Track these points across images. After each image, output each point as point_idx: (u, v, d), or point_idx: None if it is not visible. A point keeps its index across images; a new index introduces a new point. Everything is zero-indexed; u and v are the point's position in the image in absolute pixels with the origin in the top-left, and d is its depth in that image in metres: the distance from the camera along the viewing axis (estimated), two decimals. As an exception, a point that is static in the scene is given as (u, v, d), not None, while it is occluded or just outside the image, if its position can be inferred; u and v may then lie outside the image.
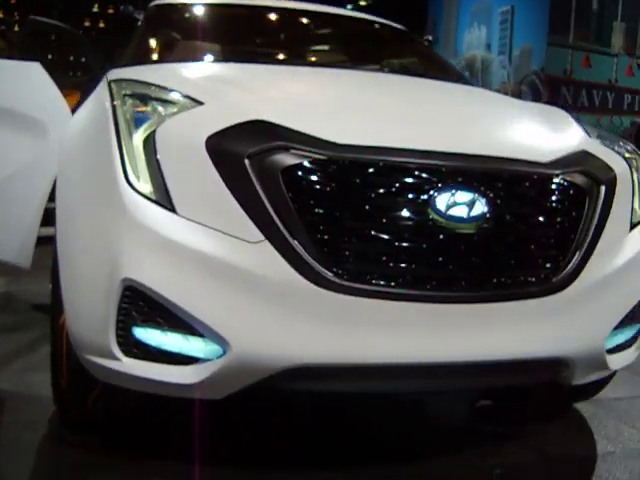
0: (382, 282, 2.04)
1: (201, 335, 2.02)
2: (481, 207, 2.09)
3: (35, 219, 3.31)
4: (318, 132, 2.08)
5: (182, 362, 2.06)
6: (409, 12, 25.93)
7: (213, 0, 4.28)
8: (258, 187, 2.01)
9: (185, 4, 4.17)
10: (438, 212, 2.06)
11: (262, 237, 2.01)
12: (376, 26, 4.49)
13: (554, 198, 2.25)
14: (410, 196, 2.08)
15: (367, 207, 2.05)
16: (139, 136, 2.14)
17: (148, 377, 2.08)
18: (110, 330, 2.06)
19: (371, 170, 2.07)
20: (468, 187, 2.10)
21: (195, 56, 3.62)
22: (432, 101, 2.72)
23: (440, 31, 19.58)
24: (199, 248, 2.00)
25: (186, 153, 2.08)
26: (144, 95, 2.29)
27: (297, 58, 3.96)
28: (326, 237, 2.02)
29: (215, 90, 2.38)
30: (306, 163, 2.03)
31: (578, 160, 2.38)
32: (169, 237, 2.01)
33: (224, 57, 3.70)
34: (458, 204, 2.07)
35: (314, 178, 2.03)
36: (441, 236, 2.08)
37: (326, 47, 4.46)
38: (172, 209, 2.04)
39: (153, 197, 2.06)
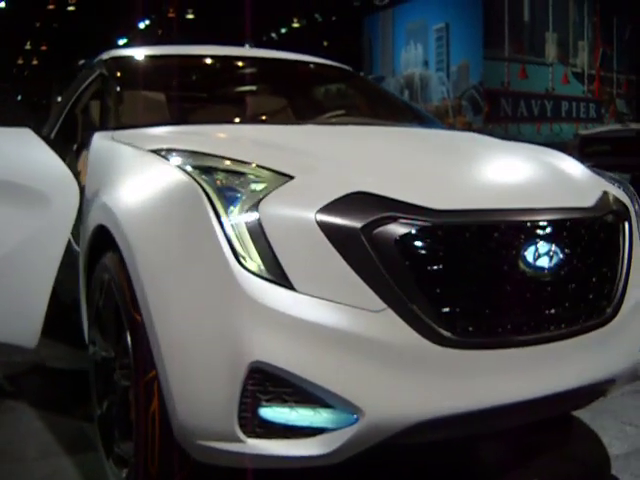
0: (491, 333, 2.17)
1: (330, 406, 2.04)
2: (557, 255, 2.27)
3: (42, 296, 3.02)
4: (416, 200, 2.15)
5: (309, 434, 2.07)
6: (344, 33, 26.15)
7: (178, 52, 4.29)
8: (375, 258, 2.05)
9: (151, 56, 4.15)
10: (527, 264, 2.21)
11: (384, 305, 2.04)
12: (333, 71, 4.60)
13: (601, 238, 2.46)
14: (504, 252, 2.21)
15: (471, 266, 2.16)
16: (238, 215, 2.11)
17: (274, 454, 2.07)
18: (233, 413, 2.04)
19: (469, 232, 2.16)
20: (546, 238, 2.27)
21: (194, 116, 3.63)
22: (476, 156, 2.85)
23: (377, 51, 19.81)
24: (324, 322, 2.02)
25: (296, 229, 2.08)
26: (224, 170, 2.28)
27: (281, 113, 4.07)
28: (439, 299, 2.10)
29: (293, 161, 2.35)
30: (414, 231, 2.09)
31: (606, 201, 2.60)
32: (293, 315, 2.01)
33: (217, 116, 3.74)
34: (541, 255, 2.23)
35: (423, 245, 2.11)
36: (531, 285, 2.23)
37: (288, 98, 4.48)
38: (290, 286, 2.03)
39: (268, 276, 2.05)
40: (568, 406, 2.58)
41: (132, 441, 2.44)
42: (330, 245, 2.05)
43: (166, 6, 27.98)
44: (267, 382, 2.03)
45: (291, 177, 2.19)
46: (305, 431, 2.06)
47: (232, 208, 2.11)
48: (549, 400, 2.29)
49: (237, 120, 3.70)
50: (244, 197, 2.14)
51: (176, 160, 2.40)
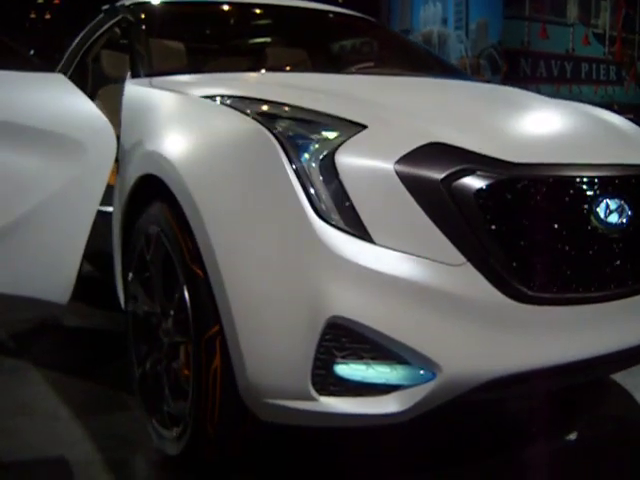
0: (563, 289, 2.18)
1: (407, 362, 2.01)
2: (625, 212, 2.28)
3: (77, 250, 2.88)
4: (493, 153, 2.15)
5: (384, 392, 2.04)
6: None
7: None
8: (455, 210, 2.03)
9: (176, 2, 4.08)
10: (599, 220, 2.23)
11: (464, 259, 2.04)
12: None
13: None
14: (577, 207, 2.23)
15: (546, 221, 2.17)
16: (313, 164, 2.04)
17: (348, 412, 2.04)
18: (307, 370, 2.01)
19: (545, 186, 2.17)
20: (616, 194, 2.28)
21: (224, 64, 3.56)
22: (537, 111, 2.84)
23: (395, 7, 19.54)
24: (403, 276, 1.99)
25: (374, 180, 2.03)
26: (292, 117, 2.20)
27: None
28: (516, 253, 2.10)
29: (361, 110, 2.28)
30: (493, 184, 2.08)
31: None
32: (372, 268, 1.98)
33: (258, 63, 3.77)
34: (612, 211, 2.24)
35: (501, 198, 2.10)
36: (602, 242, 2.27)
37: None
38: (369, 239, 2.00)
39: (347, 228, 2.00)
40: (626, 364, 2.57)
41: (185, 399, 2.39)
42: (410, 196, 2.02)
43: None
44: (344, 338, 2.00)
45: (364, 126, 2.13)
46: (380, 388, 2.03)
47: (306, 156, 2.03)
48: (612, 357, 2.31)
49: (276, 68, 3.64)
50: (317, 145, 2.06)
51: (238, 106, 2.30)
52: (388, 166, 2.05)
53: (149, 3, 3.93)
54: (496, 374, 2.08)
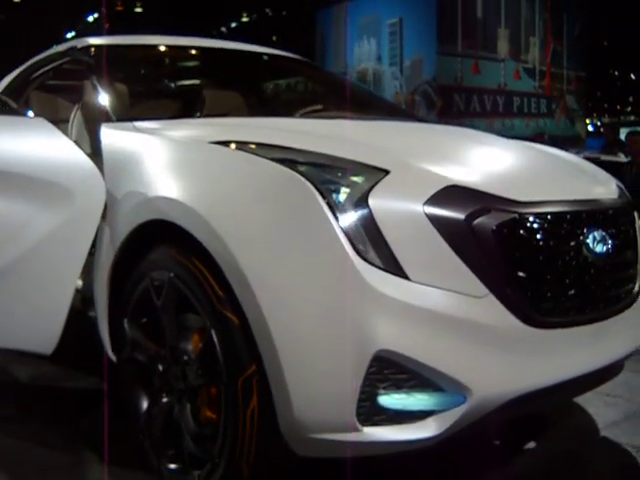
0: (566, 313, 2.39)
1: (441, 389, 2.15)
2: (610, 241, 2.53)
3: (65, 299, 2.81)
4: (502, 193, 2.33)
5: (420, 418, 2.17)
6: (296, 27, 26.11)
7: (162, 42, 4.20)
8: (476, 246, 2.20)
9: (136, 45, 4.07)
10: (589, 249, 2.46)
11: (487, 291, 2.19)
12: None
13: (628, 226, 2.74)
14: (571, 239, 2.43)
15: (549, 252, 2.36)
16: (349, 207, 2.15)
17: (389, 440, 2.15)
18: (353, 403, 2.10)
19: (547, 221, 2.37)
20: (602, 225, 2.54)
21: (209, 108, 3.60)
22: (517, 153, 3.07)
23: (329, 46, 19.75)
24: (436, 308, 2.13)
25: (406, 221, 2.17)
26: (314, 164, 2.29)
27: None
28: (527, 282, 2.28)
29: (379, 156, 2.40)
30: (506, 221, 2.26)
31: (622, 192, 2.93)
32: (410, 303, 2.11)
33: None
34: (598, 241, 2.49)
35: (514, 234, 2.28)
36: (594, 268, 2.48)
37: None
38: (405, 276, 2.13)
39: (384, 266, 2.12)
40: (612, 376, 2.76)
41: (210, 441, 2.42)
42: (438, 235, 2.17)
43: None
44: (386, 370, 2.11)
45: (387, 171, 2.25)
46: (416, 415, 2.17)
47: (341, 200, 2.14)
48: (606, 369, 2.56)
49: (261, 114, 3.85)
50: (348, 190, 2.17)
51: (258, 153, 2.38)
52: (418, 208, 2.19)
53: (113, 45, 3.89)
54: (518, 392, 2.25)
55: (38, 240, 2.81)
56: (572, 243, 2.43)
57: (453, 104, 16.85)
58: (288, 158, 2.32)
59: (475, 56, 17.16)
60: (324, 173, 2.24)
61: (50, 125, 2.99)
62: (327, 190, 2.17)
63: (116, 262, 2.77)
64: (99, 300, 2.88)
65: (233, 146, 2.49)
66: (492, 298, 2.20)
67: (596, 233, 2.50)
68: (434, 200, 2.22)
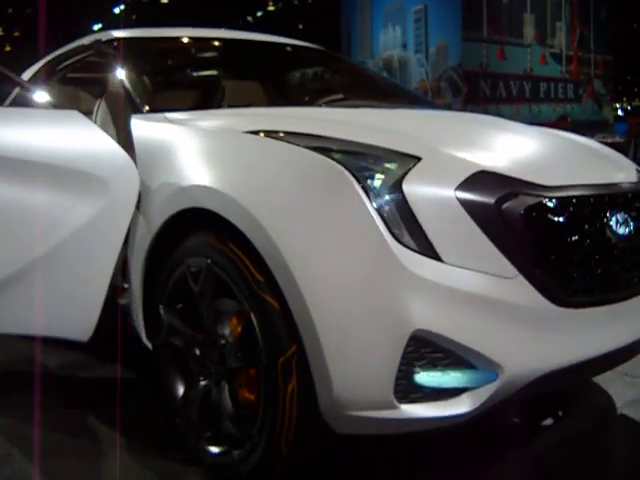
0: (591, 293, 2.46)
1: (474, 366, 2.23)
2: (630, 224, 2.59)
3: (100, 287, 2.88)
4: (529, 178, 2.39)
5: (454, 395, 2.24)
6: (322, 16, 26.10)
7: (187, 34, 4.26)
8: (506, 229, 2.26)
9: (163, 38, 4.12)
10: (612, 231, 2.52)
11: (516, 272, 2.25)
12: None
13: None
14: (595, 221, 2.49)
15: (575, 234, 2.42)
16: (384, 193, 2.23)
17: (425, 417, 2.22)
18: (391, 381, 2.17)
19: (572, 204, 2.43)
20: (625, 208, 2.60)
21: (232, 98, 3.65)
22: (541, 139, 3.16)
23: (355, 34, 19.76)
24: (469, 289, 2.20)
25: (438, 205, 2.25)
26: (347, 151, 2.38)
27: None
28: (555, 264, 2.36)
29: (410, 143, 2.48)
30: (533, 205, 2.32)
31: None
32: (444, 284, 2.18)
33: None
34: (621, 224, 2.55)
35: (540, 216, 2.34)
36: (617, 249, 2.54)
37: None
38: (438, 258, 2.20)
39: (420, 249, 2.19)
40: (632, 355, 2.81)
41: (250, 422, 2.49)
42: (470, 218, 2.24)
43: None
44: (422, 349, 2.18)
45: (418, 158, 2.34)
46: (451, 392, 2.23)
47: (376, 186, 2.23)
48: (627, 349, 2.61)
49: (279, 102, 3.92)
50: (383, 176, 2.27)
51: (293, 141, 2.46)
52: (449, 193, 2.26)
53: (137, 38, 3.96)
54: (547, 370, 2.31)
55: (75, 229, 2.87)
56: (596, 225, 2.49)
57: (479, 90, 16.83)
58: (322, 146, 2.39)
59: (501, 42, 17.12)
60: (358, 160, 2.32)
61: (84, 117, 3.04)
62: (362, 177, 2.24)
63: (150, 250, 2.83)
64: (134, 288, 2.94)
65: (265, 135, 2.55)
66: (521, 279, 2.27)
67: (619, 216, 2.56)
68: (465, 185, 2.29)
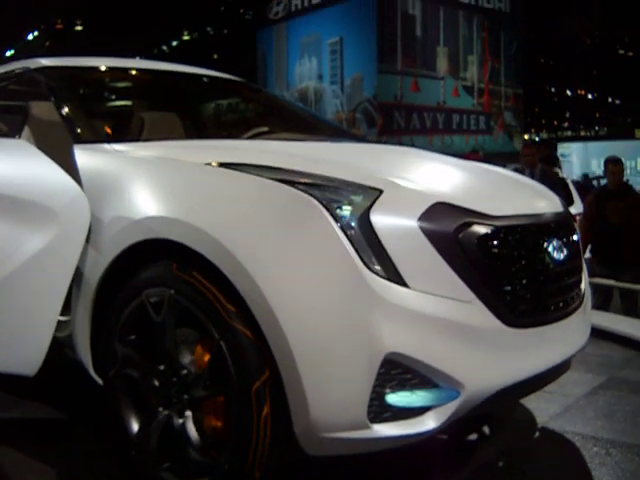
0: (536, 313, 2.63)
1: (437, 385, 2.35)
2: (564, 249, 2.79)
3: (50, 320, 2.80)
4: (478, 208, 2.52)
5: (420, 413, 2.34)
6: (238, 46, 26.21)
7: (117, 65, 4.20)
8: (463, 256, 2.41)
9: (92, 67, 4.06)
10: (550, 257, 2.70)
11: (473, 295, 2.39)
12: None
13: (573, 234, 2.99)
14: (536, 248, 2.67)
15: (520, 259, 2.58)
16: (353, 224, 2.32)
17: (395, 435, 2.32)
18: (365, 403, 2.26)
19: (517, 232, 2.60)
20: (558, 235, 2.79)
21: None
22: (480, 172, 3.32)
23: (271, 64, 19.88)
24: (433, 313, 2.33)
25: (403, 234, 2.36)
26: (317, 185, 2.44)
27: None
28: (505, 287, 2.51)
29: (372, 176, 2.58)
30: (486, 233, 2.47)
31: (565, 206, 3.22)
32: (412, 309, 2.30)
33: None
34: (556, 249, 2.74)
35: (492, 245, 2.49)
36: (555, 272, 2.73)
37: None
38: (405, 284, 2.30)
39: (387, 276, 2.29)
40: (565, 370, 2.98)
41: (216, 449, 2.51)
42: (432, 246, 2.37)
43: (54, 17, 27.44)
44: (392, 370, 2.29)
45: (380, 190, 2.43)
46: (417, 411, 2.34)
47: (345, 217, 2.33)
48: (563, 364, 2.78)
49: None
50: (350, 207, 2.36)
51: (256, 173, 2.52)
52: (413, 223, 2.37)
53: (70, 67, 3.86)
54: (502, 385, 2.46)
55: (24, 261, 2.80)
56: (537, 252, 2.66)
57: (393, 121, 17.09)
58: (285, 179, 2.45)
59: (415, 74, 17.46)
60: (323, 192, 2.39)
61: (32, 146, 3.00)
62: (332, 207, 2.33)
63: (100, 282, 2.78)
64: (79, 320, 2.88)
65: (226, 167, 2.59)
66: (478, 302, 2.40)
67: (554, 242, 2.75)
68: (426, 216, 2.39)
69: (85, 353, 2.89)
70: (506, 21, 19.64)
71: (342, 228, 2.29)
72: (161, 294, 2.58)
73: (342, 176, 2.51)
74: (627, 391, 3.90)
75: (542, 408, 3.56)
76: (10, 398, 3.70)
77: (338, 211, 2.33)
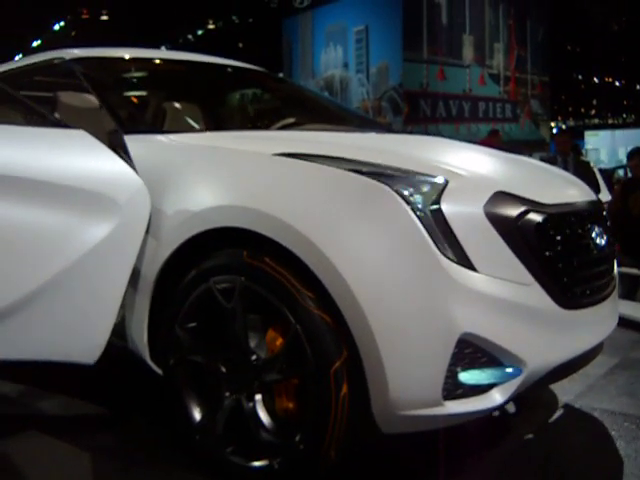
0: (585, 295, 2.83)
1: (502, 364, 2.52)
2: (603, 235, 2.99)
3: (110, 310, 2.85)
4: (534, 197, 2.71)
5: (487, 390, 2.52)
6: (263, 35, 26.19)
7: (144, 55, 4.27)
8: (523, 242, 2.58)
9: (133, 59, 4.12)
10: (594, 243, 2.92)
11: (532, 279, 2.58)
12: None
13: (606, 222, 3.19)
14: (584, 233, 2.89)
15: (571, 245, 2.80)
16: (427, 212, 2.47)
17: (466, 411, 2.49)
18: (440, 381, 2.41)
19: (567, 220, 2.82)
20: (597, 223, 3.00)
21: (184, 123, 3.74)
22: (523, 162, 3.55)
23: (296, 53, 19.85)
24: (500, 296, 2.50)
25: (471, 221, 2.53)
26: (388, 175, 2.56)
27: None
28: (559, 270, 2.70)
29: (434, 166, 2.73)
30: (542, 221, 2.65)
31: (596, 195, 3.38)
32: (482, 292, 2.46)
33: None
34: (598, 235, 2.95)
35: (548, 231, 2.68)
36: (598, 259, 2.95)
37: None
38: (474, 269, 2.47)
39: (459, 261, 2.46)
40: (600, 351, 3.14)
41: (291, 431, 2.61)
42: (496, 233, 2.54)
43: (80, 7, 27.60)
44: (465, 350, 2.46)
45: (447, 180, 2.58)
46: (484, 388, 2.51)
47: (419, 207, 2.47)
48: (600, 345, 2.99)
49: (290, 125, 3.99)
50: (421, 196, 2.50)
51: (329, 164, 2.63)
52: (479, 210, 2.54)
53: (106, 58, 3.97)
54: (558, 362, 2.67)
55: (84, 251, 2.84)
56: (583, 238, 2.88)
57: (419, 110, 17.03)
58: (356, 169, 2.57)
59: (441, 62, 17.36)
60: (394, 181, 2.52)
61: (93, 137, 3.01)
62: (406, 196, 2.47)
63: (161, 270, 2.83)
64: (137, 309, 2.92)
65: (296, 158, 2.71)
66: (536, 285, 2.58)
67: (597, 229, 2.96)
68: (490, 203, 2.57)
69: (141, 341, 2.94)
70: (532, 8, 19.49)
71: (417, 216, 2.43)
72: (231, 281, 2.67)
73: (406, 166, 2.64)
74: (642, 370, 4.21)
75: (566, 388, 3.71)
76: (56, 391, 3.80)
77: (412, 199, 2.46)
